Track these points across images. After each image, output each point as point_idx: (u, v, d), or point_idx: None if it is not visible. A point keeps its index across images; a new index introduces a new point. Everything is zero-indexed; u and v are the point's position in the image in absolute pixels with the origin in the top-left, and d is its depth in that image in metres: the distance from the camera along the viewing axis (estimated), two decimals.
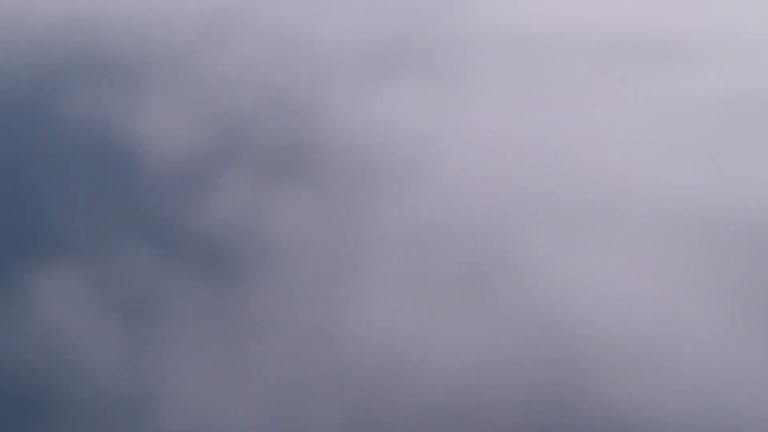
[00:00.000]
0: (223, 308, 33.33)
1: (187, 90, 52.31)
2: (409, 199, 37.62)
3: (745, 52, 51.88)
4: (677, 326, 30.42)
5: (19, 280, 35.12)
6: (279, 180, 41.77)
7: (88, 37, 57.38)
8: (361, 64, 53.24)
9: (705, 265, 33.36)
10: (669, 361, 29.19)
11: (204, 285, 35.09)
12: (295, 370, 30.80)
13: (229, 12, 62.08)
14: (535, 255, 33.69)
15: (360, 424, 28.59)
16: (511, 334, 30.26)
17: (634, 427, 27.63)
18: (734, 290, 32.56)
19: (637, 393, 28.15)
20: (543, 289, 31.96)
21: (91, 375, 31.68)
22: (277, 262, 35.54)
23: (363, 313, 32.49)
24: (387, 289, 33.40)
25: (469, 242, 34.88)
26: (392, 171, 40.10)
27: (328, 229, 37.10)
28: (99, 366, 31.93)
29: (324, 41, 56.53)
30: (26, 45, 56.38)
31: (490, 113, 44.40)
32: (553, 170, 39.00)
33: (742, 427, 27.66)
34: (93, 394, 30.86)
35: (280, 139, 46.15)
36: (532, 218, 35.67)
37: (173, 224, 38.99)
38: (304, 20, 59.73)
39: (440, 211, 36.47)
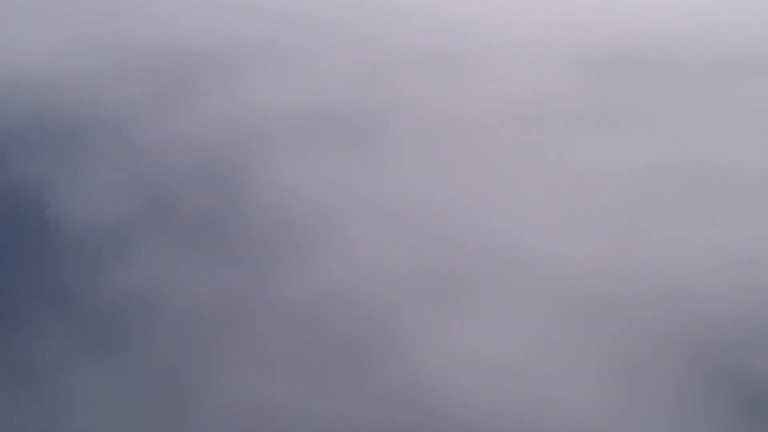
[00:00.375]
0: (120, 380, 33.55)
1: (115, 156, 52.75)
2: (311, 270, 38.22)
3: (663, 119, 53.38)
4: (565, 406, 31.03)
5: None
6: (196, 249, 42.20)
7: (17, 101, 57.71)
8: (289, 132, 54.08)
9: (597, 343, 34.13)
10: None
11: (102, 356, 35.28)
12: None
13: (160, 78, 62.81)
14: (420, 329, 34.26)
15: None
16: (385, 410, 30.69)
17: None
18: (625, 368, 33.32)
19: None
20: (423, 365, 32.46)
21: None
22: (175, 332, 35.88)
23: (243, 384, 32.88)
24: (268, 360, 33.84)
25: (361, 315, 35.43)
26: (303, 241, 40.75)
27: (230, 299, 37.56)
28: None
29: (254, 109, 57.39)
30: None
31: (407, 184, 45.33)
32: (456, 242, 39.83)
33: None
34: None
35: (204, 208, 46.62)
36: (425, 291, 36.32)
37: (84, 294, 39.18)
38: (233, 88, 60.63)
39: (339, 282, 37.07)
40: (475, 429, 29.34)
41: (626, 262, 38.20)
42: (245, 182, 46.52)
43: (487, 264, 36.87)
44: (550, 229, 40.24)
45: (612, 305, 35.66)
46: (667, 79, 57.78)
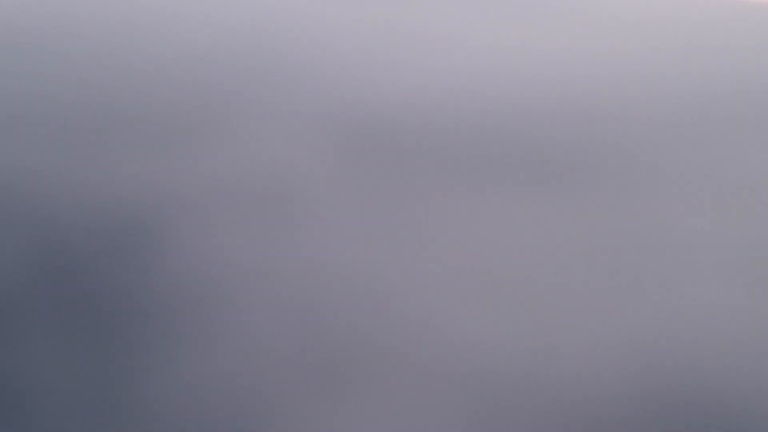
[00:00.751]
0: None
1: (20, 227, 51.44)
2: (195, 356, 37.24)
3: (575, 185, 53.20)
4: None
5: None
6: (84, 330, 40.99)
7: None
8: (199, 202, 53.20)
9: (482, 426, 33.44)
10: None
11: None
12: None
13: (82, 145, 61.78)
14: (305, 415, 33.40)
15: None
16: None
17: None
18: None
19: None
20: None
21: None
22: (52, 419, 34.62)
23: None
24: None
25: (242, 403, 34.44)
26: (191, 324, 39.73)
27: (104, 388, 36.33)
28: None
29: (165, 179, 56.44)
30: None
31: (311, 251, 44.55)
32: (355, 318, 39.10)
33: None
34: None
35: (105, 282, 45.50)
36: (312, 376, 35.46)
37: None
38: (133, 154, 59.58)
39: (222, 368, 36.06)
40: None
41: (524, 342, 37.34)
42: (135, 261, 45.16)
43: (375, 347, 35.83)
44: (450, 306, 39.32)
45: (506, 388, 34.82)
46: (582, 137, 57.31)
